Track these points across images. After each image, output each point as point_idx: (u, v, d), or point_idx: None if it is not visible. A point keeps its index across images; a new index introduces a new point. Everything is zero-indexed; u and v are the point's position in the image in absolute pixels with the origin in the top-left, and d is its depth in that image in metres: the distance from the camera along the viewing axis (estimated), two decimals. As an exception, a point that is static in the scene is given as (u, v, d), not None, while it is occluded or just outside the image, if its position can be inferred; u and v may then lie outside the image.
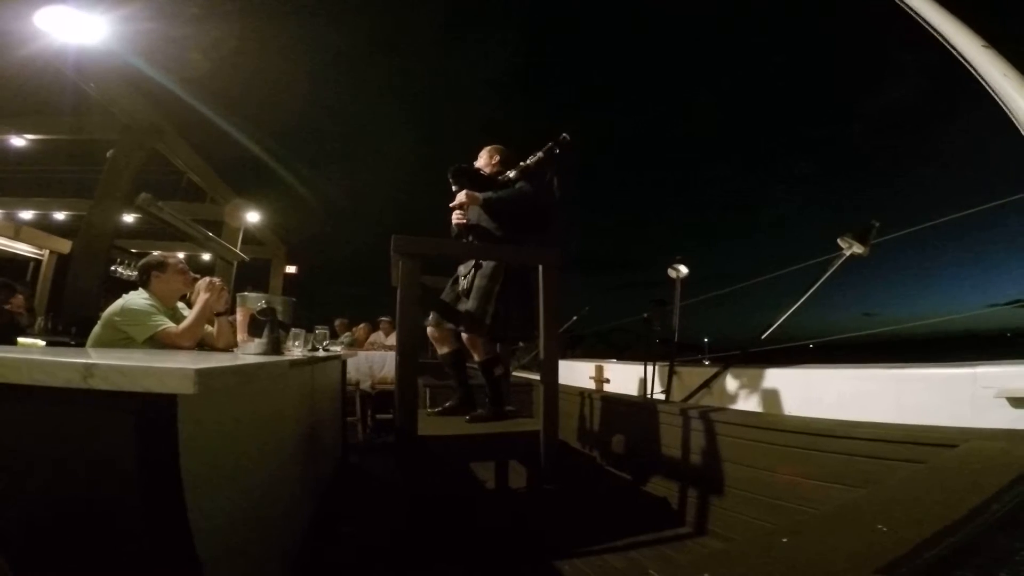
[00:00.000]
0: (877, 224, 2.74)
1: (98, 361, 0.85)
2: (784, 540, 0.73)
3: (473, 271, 2.46)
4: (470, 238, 2.52)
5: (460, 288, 2.51)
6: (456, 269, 2.63)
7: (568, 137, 2.45)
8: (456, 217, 2.52)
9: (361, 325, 7.12)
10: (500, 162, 2.69)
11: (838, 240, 2.78)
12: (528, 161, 2.46)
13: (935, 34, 2.06)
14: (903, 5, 2.16)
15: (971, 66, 1.90)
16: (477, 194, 2.43)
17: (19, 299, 5.01)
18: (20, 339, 4.39)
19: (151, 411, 0.87)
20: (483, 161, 2.73)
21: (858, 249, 2.70)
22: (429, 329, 2.56)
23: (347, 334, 6.87)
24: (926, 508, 0.87)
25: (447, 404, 2.68)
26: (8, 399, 0.86)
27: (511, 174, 2.48)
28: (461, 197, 2.45)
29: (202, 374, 0.84)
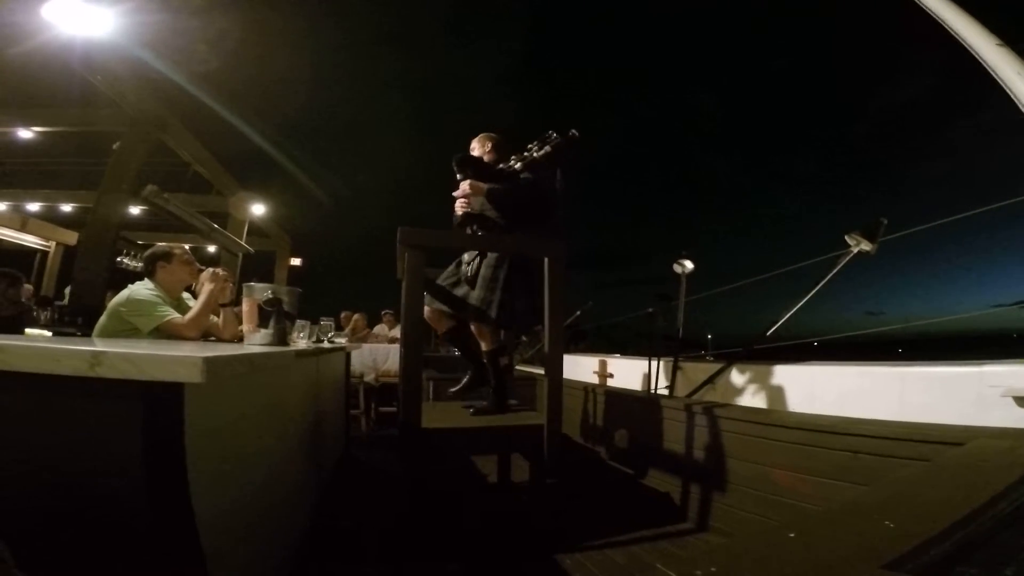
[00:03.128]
0: (885, 221, 2.71)
1: (106, 349, 0.85)
2: (791, 535, 0.73)
3: (478, 259, 2.46)
4: (474, 227, 2.52)
5: (463, 273, 2.51)
6: (459, 254, 2.63)
7: (576, 133, 2.43)
8: (460, 205, 2.52)
9: (344, 314, 6.91)
10: (494, 149, 2.69)
11: (846, 237, 2.75)
12: (535, 154, 2.45)
13: (950, 32, 2.04)
14: (919, 2, 2.13)
15: (986, 64, 1.89)
16: (482, 184, 2.43)
17: (27, 290, 5.04)
18: (27, 331, 4.43)
19: (158, 400, 0.87)
20: (477, 150, 2.73)
21: (866, 246, 2.68)
22: (426, 310, 2.55)
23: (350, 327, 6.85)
24: (933, 505, 0.87)
25: (462, 383, 2.68)
26: (15, 387, 0.86)
27: (516, 165, 2.48)
28: (465, 186, 2.45)
29: (210, 362, 0.84)
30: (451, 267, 2.62)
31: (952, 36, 2.06)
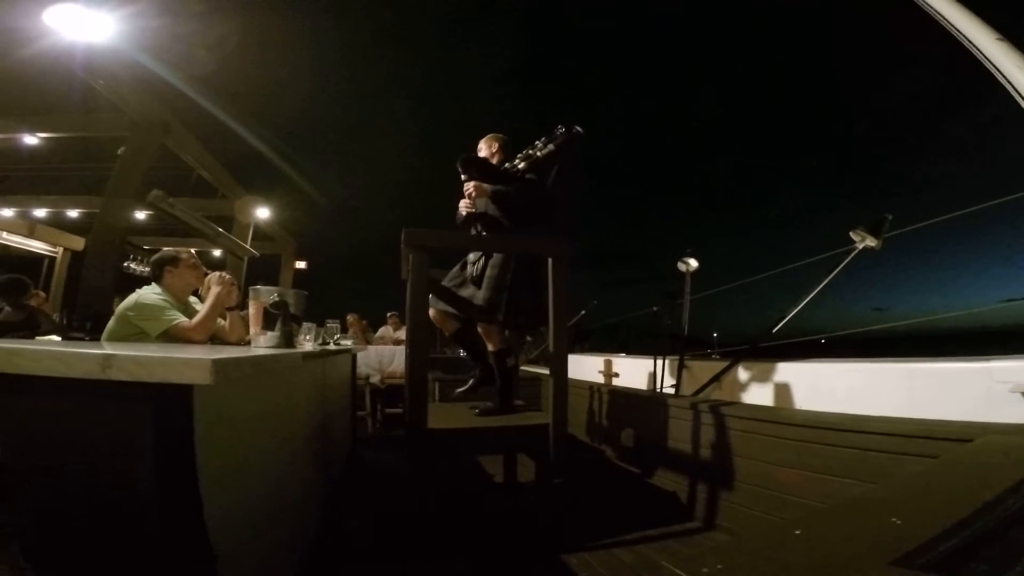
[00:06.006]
0: (890, 217, 2.70)
1: (116, 352, 0.86)
2: (797, 532, 0.73)
3: (483, 259, 2.47)
4: (478, 227, 2.53)
5: (468, 274, 2.51)
6: (465, 255, 2.64)
7: (581, 130, 2.43)
8: (464, 205, 2.53)
9: (351, 317, 6.74)
10: (500, 149, 2.71)
11: (851, 233, 2.74)
12: (538, 153, 2.45)
13: (948, 26, 2.03)
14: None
15: (985, 59, 1.88)
16: (486, 186, 2.44)
17: (40, 296, 5.07)
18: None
19: (167, 402, 0.88)
20: (484, 152, 2.74)
21: (871, 242, 2.67)
22: (431, 311, 2.54)
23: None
24: (941, 501, 0.86)
25: (469, 383, 2.69)
26: (27, 391, 0.87)
27: (520, 165, 2.48)
28: (470, 187, 2.46)
29: (219, 364, 0.85)
30: (456, 268, 2.62)
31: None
